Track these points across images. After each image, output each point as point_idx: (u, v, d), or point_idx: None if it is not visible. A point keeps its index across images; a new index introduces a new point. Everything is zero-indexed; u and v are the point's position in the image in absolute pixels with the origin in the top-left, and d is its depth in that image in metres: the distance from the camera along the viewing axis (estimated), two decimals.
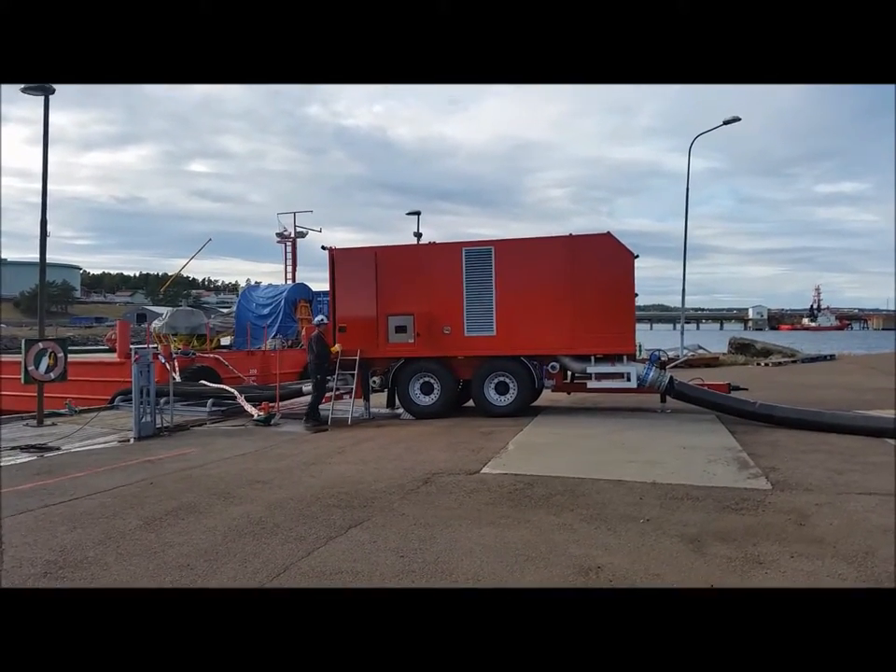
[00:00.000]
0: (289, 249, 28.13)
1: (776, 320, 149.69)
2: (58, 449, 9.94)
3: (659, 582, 4.25)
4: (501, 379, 12.34)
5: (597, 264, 11.86)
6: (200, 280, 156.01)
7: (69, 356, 13.37)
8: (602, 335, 11.75)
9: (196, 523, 5.96)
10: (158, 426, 11.28)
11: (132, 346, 15.96)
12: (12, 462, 9.01)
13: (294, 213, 27.93)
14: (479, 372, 12.39)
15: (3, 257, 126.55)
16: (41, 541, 5.48)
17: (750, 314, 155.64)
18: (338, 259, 12.95)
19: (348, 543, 5.32)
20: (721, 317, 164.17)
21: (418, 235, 28.23)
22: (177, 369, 15.42)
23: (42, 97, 12.41)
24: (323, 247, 13.28)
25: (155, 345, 17.70)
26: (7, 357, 19.03)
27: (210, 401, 13.76)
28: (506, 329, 12.17)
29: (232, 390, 13.94)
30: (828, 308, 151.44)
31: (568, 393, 13.58)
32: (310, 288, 23.46)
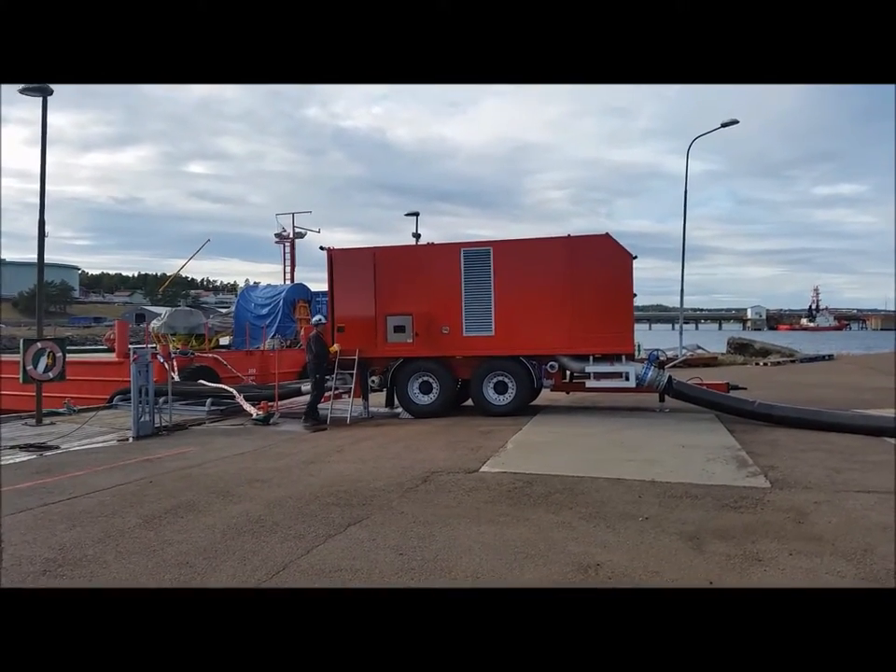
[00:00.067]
0: (288, 250, 28.12)
1: (774, 320, 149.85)
2: (57, 448, 9.93)
3: (658, 582, 4.25)
4: (500, 378, 12.35)
5: (596, 265, 11.87)
6: (199, 280, 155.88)
7: (68, 355, 13.36)
8: (600, 335, 11.76)
9: (195, 521, 5.96)
10: (157, 425, 11.27)
11: (130, 346, 15.95)
12: (11, 461, 9.01)
13: (293, 213, 27.96)
14: (478, 372, 12.40)
15: (2, 257, 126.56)
16: (40, 539, 5.48)
17: (749, 314, 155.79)
18: (336, 259, 12.95)
19: (347, 541, 5.32)
20: (719, 317, 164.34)
21: (417, 236, 28.23)
22: (176, 368, 15.42)
23: (40, 98, 12.41)
24: (321, 248, 13.29)
25: (154, 345, 17.69)
26: (5, 357, 19.02)
27: (209, 401, 13.75)
28: (505, 329, 12.18)
29: (231, 390, 13.93)
30: (826, 308, 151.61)
31: (567, 392, 13.60)
32: (309, 289, 23.46)
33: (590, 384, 12.08)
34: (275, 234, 28.16)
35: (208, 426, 12.37)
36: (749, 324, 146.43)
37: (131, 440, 10.59)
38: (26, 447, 9.86)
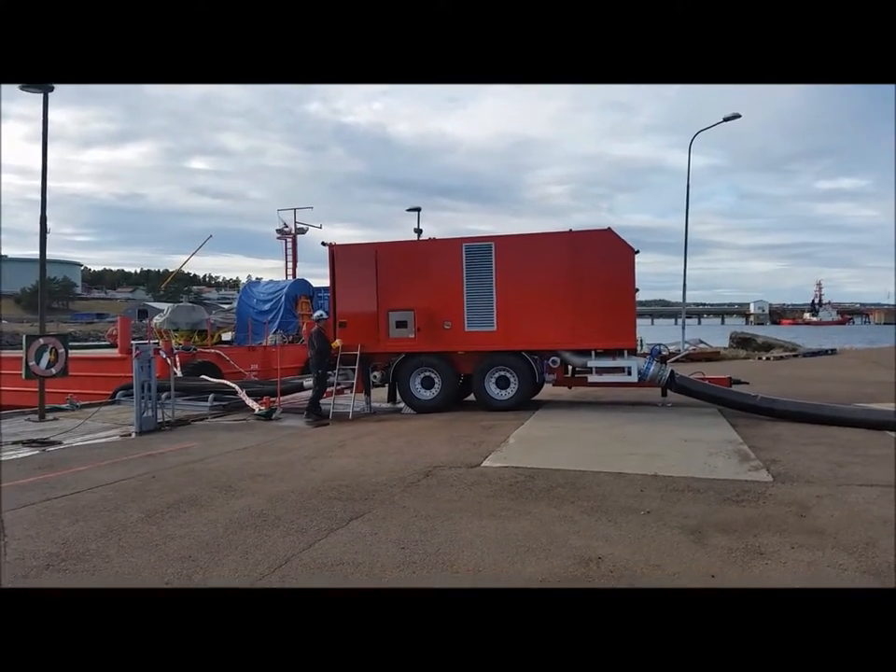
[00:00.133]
0: (290, 246, 28.10)
1: (777, 315, 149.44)
2: (60, 443, 9.95)
3: (658, 582, 4.24)
4: (502, 373, 12.35)
5: (598, 260, 11.85)
6: (201, 276, 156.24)
7: (70, 351, 13.38)
8: (603, 330, 11.75)
9: (198, 515, 5.98)
10: (159, 420, 11.30)
11: (133, 342, 15.99)
12: (14, 456, 9.03)
13: (294, 209, 27.93)
14: (479, 367, 12.40)
15: (3, 253, 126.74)
16: (43, 534, 5.50)
17: (752, 308, 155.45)
18: (338, 255, 12.95)
19: (349, 535, 5.33)
20: (722, 312, 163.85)
21: (418, 231, 28.21)
22: (178, 364, 15.44)
23: (41, 94, 12.40)
24: (323, 244, 13.29)
25: (156, 341, 17.72)
26: (8, 353, 19.07)
27: (211, 396, 13.77)
28: (506, 325, 12.18)
29: (234, 385, 13.95)
30: (829, 303, 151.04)
31: (569, 387, 13.59)
32: (310, 284, 23.46)
33: (592, 378, 12.07)
34: (277, 230, 28.15)
35: (210, 421, 12.39)
36: (751, 318, 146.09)
37: (133, 435, 10.61)
38: (29, 443, 9.88)
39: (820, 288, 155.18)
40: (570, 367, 12.63)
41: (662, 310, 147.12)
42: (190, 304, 26.06)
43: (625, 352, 11.86)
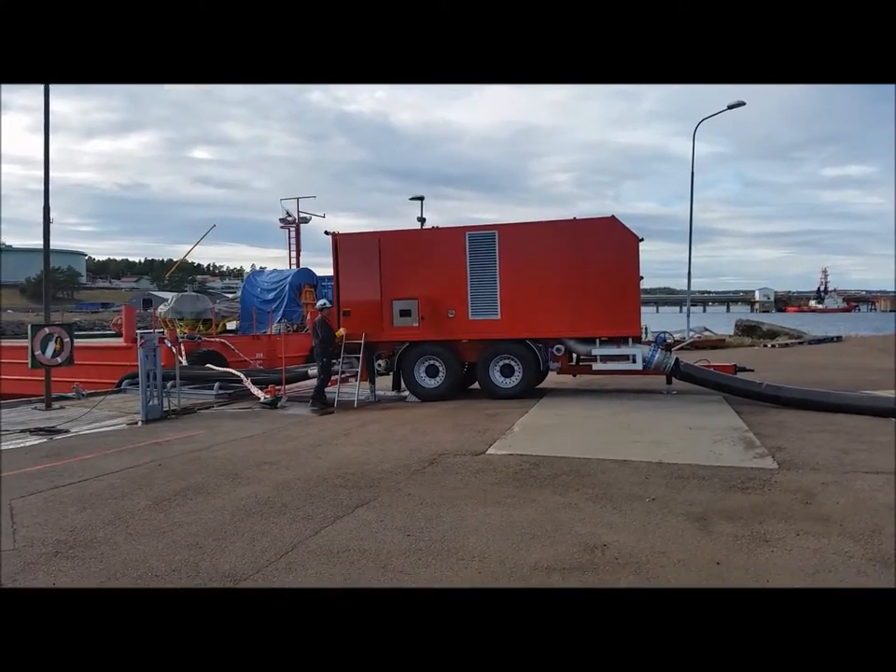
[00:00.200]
0: (293, 235, 28.12)
1: (782, 302, 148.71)
2: (67, 432, 10.01)
3: (657, 582, 4.24)
4: (506, 362, 12.34)
5: (602, 248, 11.80)
6: (205, 266, 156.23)
7: (76, 341, 13.42)
8: (607, 318, 11.73)
9: (204, 503, 6.01)
10: (165, 409, 11.35)
11: (138, 331, 16.03)
12: (22, 444, 9.09)
13: (297, 199, 27.91)
14: (484, 355, 12.40)
15: (8, 243, 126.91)
16: (51, 522, 5.54)
17: (757, 296, 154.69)
18: (342, 244, 12.93)
19: (355, 522, 5.36)
20: (727, 300, 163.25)
21: (422, 220, 28.13)
22: (183, 353, 15.49)
23: (42, 85, 12.35)
24: (326, 232, 13.27)
25: (161, 330, 17.77)
26: (12, 343, 19.13)
27: (216, 385, 13.81)
28: (510, 313, 12.16)
29: (239, 374, 13.99)
30: (835, 290, 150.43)
31: (574, 375, 13.57)
32: (314, 273, 23.46)
33: (596, 366, 12.05)
34: (280, 219, 28.14)
35: (216, 409, 12.43)
36: (756, 306, 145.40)
37: (139, 423, 10.66)
38: (36, 431, 9.94)
39: (826, 276, 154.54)
40: (575, 355, 12.63)
41: (667, 298, 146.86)
42: (195, 293, 26.11)
43: (630, 340, 11.83)
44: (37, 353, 12.26)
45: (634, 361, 11.70)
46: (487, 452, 7.80)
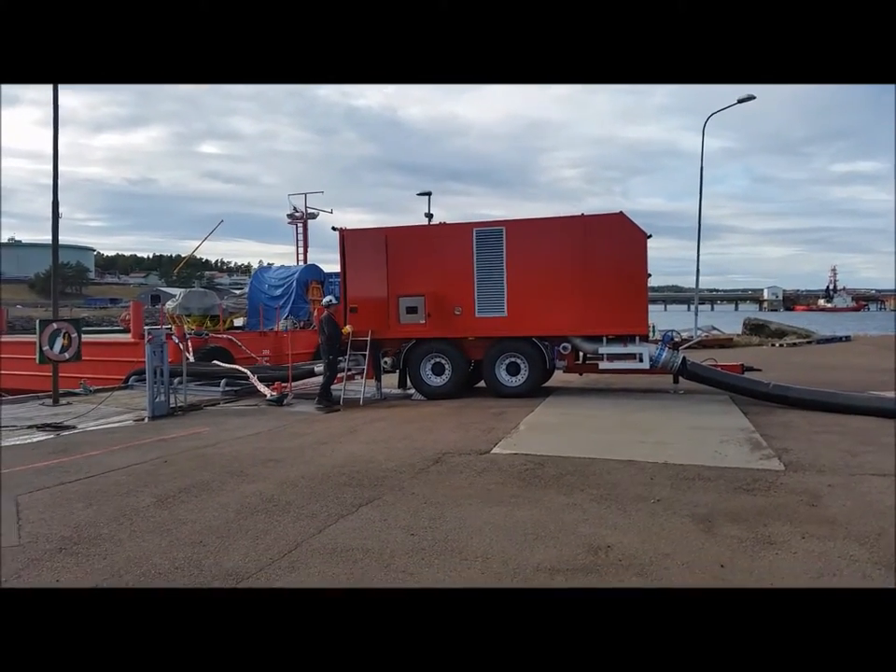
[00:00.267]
0: (300, 231, 28.11)
1: (791, 301, 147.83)
2: (73, 428, 10.06)
3: (666, 572, 4.24)
4: (512, 360, 12.32)
5: (610, 244, 11.75)
6: (213, 262, 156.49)
7: (84, 336, 13.48)
8: (614, 316, 11.67)
9: (209, 500, 6.02)
10: (171, 405, 11.38)
11: (145, 327, 16.08)
12: (29, 441, 9.14)
13: (305, 194, 27.90)
14: (490, 353, 12.38)
15: (18, 238, 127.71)
16: (57, 518, 5.56)
17: (765, 294, 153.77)
18: (349, 240, 12.92)
19: (359, 521, 5.36)
20: (735, 298, 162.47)
21: (429, 216, 28.09)
22: (191, 349, 15.53)
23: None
24: (334, 228, 13.28)
25: (168, 326, 17.81)
26: (6, 338, 19.20)
27: (223, 381, 13.84)
28: (517, 310, 12.12)
29: (245, 370, 14.00)
30: (844, 289, 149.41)
31: (580, 374, 13.54)
32: (322, 270, 23.47)
33: (603, 365, 12.01)
34: (287, 215, 28.14)
35: (222, 406, 12.47)
36: (765, 304, 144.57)
37: (146, 420, 10.70)
38: (43, 427, 9.99)
39: (835, 274, 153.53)
40: (581, 353, 12.60)
41: (675, 296, 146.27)
42: (202, 289, 26.18)
43: (637, 338, 11.79)
44: (45, 348, 12.31)
45: (641, 360, 11.65)
46: (492, 451, 7.79)
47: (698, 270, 23.42)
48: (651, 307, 12.41)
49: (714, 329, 31.05)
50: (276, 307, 21.23)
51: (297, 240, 28.16)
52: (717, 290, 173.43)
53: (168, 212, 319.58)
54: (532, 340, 12.20)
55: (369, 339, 12.49)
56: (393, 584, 4.16)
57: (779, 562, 4.38)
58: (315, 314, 19.95)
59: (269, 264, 28.92)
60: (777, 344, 27.84)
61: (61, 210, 12.86)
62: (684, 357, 11.94)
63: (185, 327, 18.47)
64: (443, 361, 12.63)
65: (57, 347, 12.48)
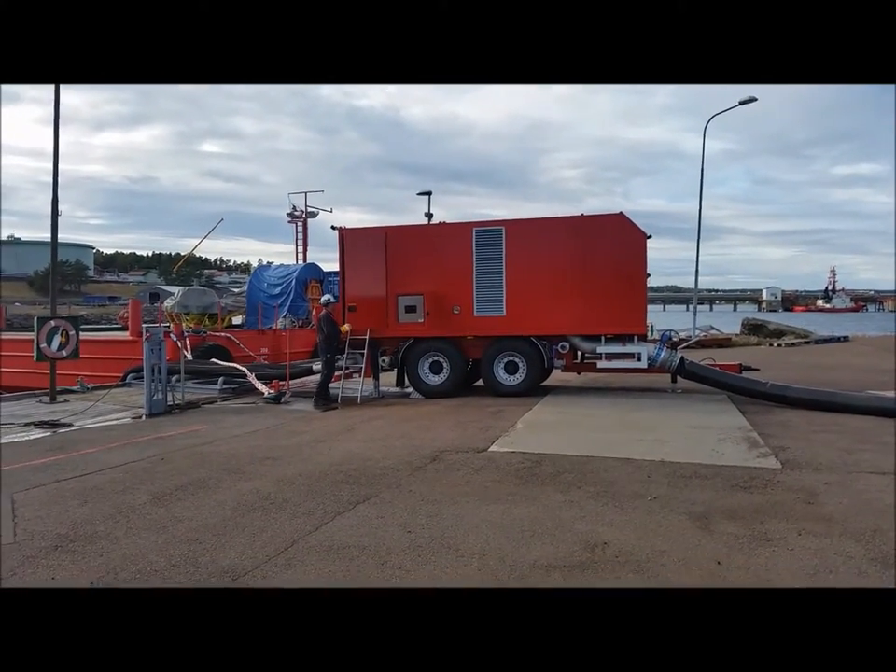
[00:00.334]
0: (300, 230, 28.11)
1: (790, 301, 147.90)
2: (70, 425, 10.05)
3: (663, 569, 4.23)
4: (511, 359, 12.31)
5: (609, 244, 11.75)
6: (212, 260, 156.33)
7: (82, 334, 13.47)
8: (613, 315, 11.68)
9: (205, 498, 6.02)
10: (169, 403, 11.37)
11: (144, 325, 16.07)
12: (26, 438, 9.12)
13: (305, 193, 27.90)
14: (488, 352, 12.37)
15: (18, 236, 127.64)
16: (53, 515, 5.55)
17: (764, 295, 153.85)
18: (348, 239, 12.92)
19: (356, 518, 5.35)
20: (734, 298, 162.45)
21: (429, 216, 28.08)
22: (189, 347, 15.51)
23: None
24: (333, 227, 13.27)
25: (167, 324, 17.80)
26: (5, 336, 19.19)
27: (221, 379, 13.84)
28: (516, 310, 12.12)
29: (243, 368, 14.00)
30: (843, 290, 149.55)
31: (578, 373, 13.56)
32: (321, 269, 23.45)
33: (601, 364, 12.03)
34: (287, 214, 28.14)
35: (220, 404, 12.46)
36: (764, 305, 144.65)
37: (143, 417, 10.69)
38: (40, 424, 9.98)
39: (834, 275, 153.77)
40: (580, 352, 12.60)
41: (674, 296, 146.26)
42: (201, 288, 26.13)
43: (635, 338, 11.80)
44: (43, 346, 12.30)
45: (639, 359, 11.67)
46: (490, 449, 7.79)
47: (697, 270, 23.34)
48: (649, 307, 12.42)
49: (712, 328, 31.08)
50: (275, 306, 21.22)
51: (296, 239, 28.18)
52: (716, 290, 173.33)
53: (168, 210, 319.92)
54: (530, 339, 12.19)
55: (367, 337, 12.48)
56: (389, 582, 4.15)
57: (776, 559, 4.38)
58: (314, 312, 19.94)
59: (268, 263, 28.91)
60: (776, 344, 27.86)
61: (61, 208, 12.88)
62: (682, 357, 11.94)
63: (183, 325, 18.45)
64: (441, 360, 12.62)
65: (55, 345, 12.47)
